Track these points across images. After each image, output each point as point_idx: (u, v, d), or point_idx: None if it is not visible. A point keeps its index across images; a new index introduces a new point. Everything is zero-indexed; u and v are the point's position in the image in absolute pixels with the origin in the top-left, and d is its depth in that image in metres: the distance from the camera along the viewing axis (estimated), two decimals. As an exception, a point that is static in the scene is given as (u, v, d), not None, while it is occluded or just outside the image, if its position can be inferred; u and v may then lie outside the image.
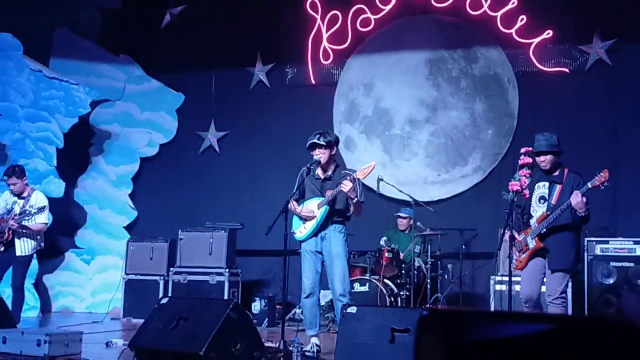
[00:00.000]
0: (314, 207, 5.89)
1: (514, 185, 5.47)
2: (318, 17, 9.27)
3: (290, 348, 5.38)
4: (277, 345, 5.47)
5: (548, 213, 5.29)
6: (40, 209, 6.98)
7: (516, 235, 5.46)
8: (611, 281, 7.14)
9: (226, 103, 9.75)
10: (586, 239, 7.23)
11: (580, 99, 8.30)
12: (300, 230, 5.99)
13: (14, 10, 9.64)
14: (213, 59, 9.68)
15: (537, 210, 5.41)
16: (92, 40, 10.13)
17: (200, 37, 9.66)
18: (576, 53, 8.35)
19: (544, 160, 5.39)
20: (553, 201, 5.34)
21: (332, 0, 9.21)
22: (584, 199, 5.08)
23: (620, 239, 7.34)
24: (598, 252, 7.26)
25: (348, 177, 5.65)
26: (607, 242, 7.29)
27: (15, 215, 6.95)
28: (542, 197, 5.42)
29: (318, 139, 5.89)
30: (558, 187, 5.36)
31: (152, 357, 4.92)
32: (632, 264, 7.12)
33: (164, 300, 5.21)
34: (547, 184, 5.43)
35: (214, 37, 9.63)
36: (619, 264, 7.15)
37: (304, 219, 5.95)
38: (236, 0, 9.44)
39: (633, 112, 8.10)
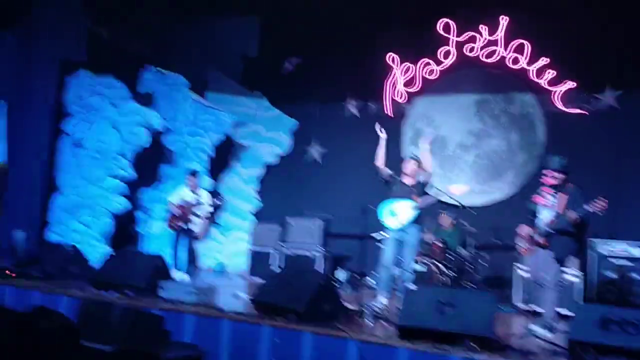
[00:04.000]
0: (407, 206, 5.80)
1: (537, 198, 5.24)
2: (395, 67, 9.13)
3: (365, 309, 5.30)
4: (355, 307, 5.41)
5: (555, 220, 5.04)
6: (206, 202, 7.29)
7: (527, 230, 5.24)
8: (613, 275, 6.70)
9: (327, 127, 9.73)
10: (593, 239, 6.83)
11: (593, 135, 7.84)
12: (391, 222, 5.91)
13: (182, 57, 9.92)
14: (319, 95, 9.67)
15: (544, 214, 5.16)
16: (234, 80, 10.31)
17: (310, 79, 9.65)
18: (592, 99, 7.90)
19: (558, 178, 5.14)
20: (559, 209, 5.07)
21: (406, 54, 9.05)
22: (577, 216, 4.80)
23: (619, 241, 6.86)
24: (603, 252, 6.82)
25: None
26: (609, 244, 6.85)
27: (191, 205, 7.23)
28: (551, 205, 5.16)
29: (413, 155, 5.96)
30: (563, 197, 5.09)
31: (266, 309, 4.96)
32: (629, 263, 6.67)
33: (278, 271, 5.24)
34: (553, 193, 5.16)
35: (320, 79, 9.59)
36: (620, 263, 6.71)
37: (394, 213, 5.87)
38: (336, 53, 9.37)
39: (636, 144, 7.60)
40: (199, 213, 7.23)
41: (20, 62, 8.63)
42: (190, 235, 7.26)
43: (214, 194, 9.32)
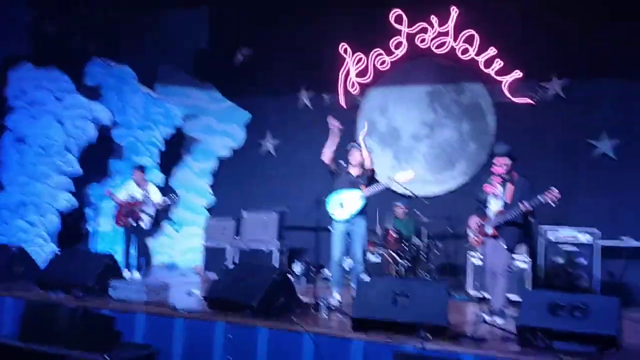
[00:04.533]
0: (354, 196, 5.81)
1: (487, 187, 5.34)
2: (347, 57, 9.13)
3: (319, 302, 5.30)
4: (310, 300, 5.41)
5: (503, 210, 5.15)
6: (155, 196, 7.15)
7: (477, 220, 5.34)
8: (560, 260, 6.93)
9: (280, 119, 9.66)
10: (542, 226, 7.04)
11: (541, 123, 8.04)
12: (339, 213, 5.89)
13: (129, 49, 9.67)
14: (271, 86, 9.59)
15: (493, 204, 5.26)
16: (185, 71, 10.10)
17: (262, 70, 9.56)
18: (539, 89, 8.10)
19: (505, 164, 5.23)
20: (507, 199, 5.17)
21: (358, 45, 9.05)
22: (530, 207, 4.92)
23: (567, 227, 7.10)
24: (552, 238, 7.04)
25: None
26: (557, 230, 7.07)
27: (138, 202, 7.07)
28: (499, 195, 5.25)
29: (357, 145, 5.94)
30: (510, 187, 5.19)
31: (220, 305, 4.91)
32: (575, 248, 6.90)
33: (230, 266, 5.18)
34: (502, 182, 5.26)
35: (272, 71, 9.52)
36: (567, 248, 6.94)
37: (342, 205, 5.86)
38: (288, 44, 9.30)
39: (582, 132, 7.83)
40: (146, 209, 7.07)
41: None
42: (140, 232, 7.10)
43: (167, 190, 9.19)
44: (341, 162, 6.05)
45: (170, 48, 9.97)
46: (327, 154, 5.96)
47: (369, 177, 6.02)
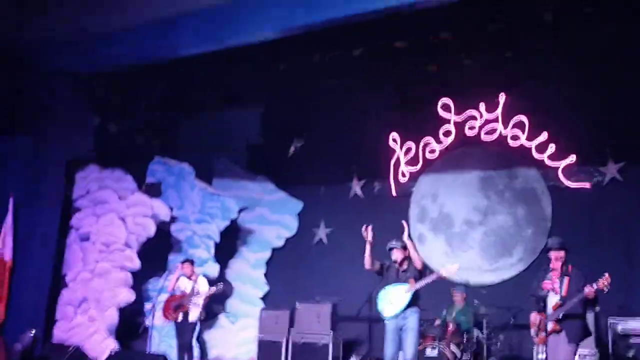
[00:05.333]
0: (401, 291, 5.77)
1: (547, 284, 5.20)
2: (397, 146, 9.23)
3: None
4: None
5: (561, 302, 5.02)
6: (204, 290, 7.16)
7: (536, 317, 5.19)
8: (631, 354, 6.47)
9: (332, 208, 9.75)
10: (610, 318, 6.66)
11: (598, 207, 7.78)
12: (388, 310, 5.82)
13: (188, 146, 10.15)
14: (323, 176, 9.76)
15: (551, 299, 5.14)
16: (240, 166, 10.46)
17: (314, 160, 9.77)
18: (594, 173, 7.89)
19: (560, 257, 5.18)
20: (564, 292, 5.07)
21: (408, 134, 9.15)
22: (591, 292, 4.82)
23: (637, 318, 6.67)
24: (620, 330, 6.62)
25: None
26: (626, 322, 6.65)
27: (189, 294, 7.17)
28: (557, 290, 5.15)
29: (395, 244, 5.89)
30: (566, 280, 5.09)
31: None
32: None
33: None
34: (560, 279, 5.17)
35: (324, 160, 9.71)
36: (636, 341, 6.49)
37: (391, 301, 5.80)
38: (339, 134, 9.52)
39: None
40: (197, 301, 7.10)
41: (31, 161, 8.88)
42: (191, 326, 7.12)
43: (218, 280, 9.30)
44: (385, 262, 6.08)
45: (226, 144, 10.40)
46: (367, 262, 6.02)
47: (419, 271, 5.97)
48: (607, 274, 4.79)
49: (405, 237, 6.17)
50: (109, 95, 9.22)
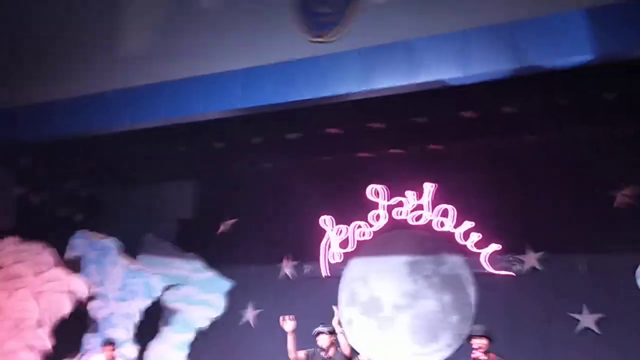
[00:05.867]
0: None
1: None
2: (328, 228, 9.31)
3: None
4: None
5: None
6: None
7: None
8: None
9: (261, 289, 9.57)
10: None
11: (520, 296, 7.99)
12: None
13: (114, 220, 9.83)
14: (253, 256, 9.62)
15: None
16: (169, 242, 10.18)
17: (245, 241, 9.67)
18: (515, 262, 8.19)
19: (481, 345, 5.21)
20: None
21: (339, 217, 9.27)
22: None
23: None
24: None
25: None
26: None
27: None
28: None
29: (322, 329, 5.80)
30: None
31: None
32: None
33: None
34: None
35: (255, 241, 9.63)
36: None
37: None
38: (268, 216, 9.52)
39: (560, 307, 7.77)
40: None
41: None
42: None
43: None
44: (310, 350, 5.96)
45: (156, 219, 10.14)
46: (290, 352, 5.89)
47: (347, 358, 5.86)
48: None
49: (335, 322, 6.09)
50: (33, 166, 8.87)
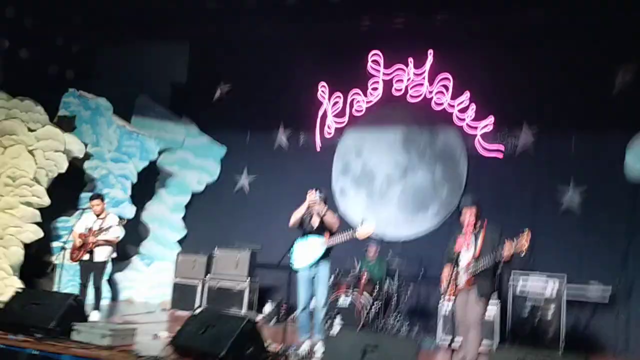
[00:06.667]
0: (316, 244, 5.80)
1: (459, 240, 5.35)
2: (325, 98, 9.20)
3: (288, 352, 5.21)
4: (279, 347, 5.30)
5: (475, 260, 5.17)
6: (113, 227, 6.84)
7: (448, 271, 5.33)
8: (527, 312, 6.94)
9: (256, 156, 9.64)
10: (512, 274, 7.11)
11: (510, 172, 8.12)
12: (301, 261, 5.86)
13: (107, 80, 9.58)
14: (249, 123, 9.60)
15: (464, 256, 5.27)
16: (163, 105, 10.05)
17: (241, 107, 9.58)
18: (509, 136, 8.24)
19: (473, 214, 5.28)
20: (478, 248, 5.21)
21: (337, 85, 9.13)
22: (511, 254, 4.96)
23: (534, 273, 7.14)
24: (519, 289, 7.08)
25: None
26: (526, 280, 7.12)
27: (95, 231, 6.78)
28: (470, 246, 5.27)
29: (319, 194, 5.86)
30: (481, 237, 5.23)
31: (186, 353, 4.78)
32: (542, 299, 6.95)
33: (198, 311, 5.05)
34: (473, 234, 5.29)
35: (250, 108, 9.54)
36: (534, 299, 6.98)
37: (305, 252, 5.84)
38: (266, 82, 9.33)
39: (549, 182, 7.95)
40: (104, 239, 6.73)
41: None
42: (98, 266, 6.79)
43: (139, 224, 9.04)
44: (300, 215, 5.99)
45: (148, 81, 9.92)
46: (295, 220, 5.92)
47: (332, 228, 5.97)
48: (527, 232, 4.90)
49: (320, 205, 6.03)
50: (21, 18, 8.39)
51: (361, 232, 5.65)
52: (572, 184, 7.80)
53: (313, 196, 5.80)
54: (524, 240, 4.89)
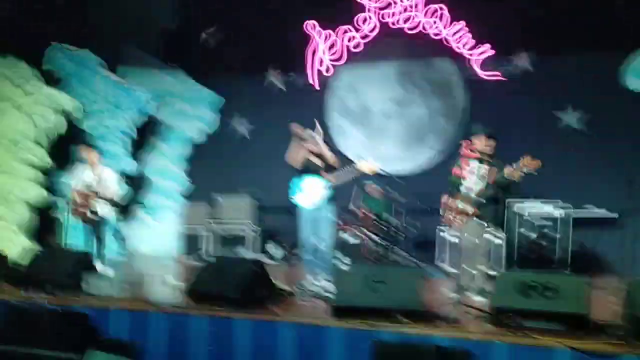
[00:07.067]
0: (320, 184, 5.83)
1: (456, 171, 5.39)
2: (315, 35, 9.01)
3: (297, 289, 5.33)
4: (287, 286, 5.42)
5: (484, 189, 5.21)
6: (111, 182, 6.79)
7: (452, 201, 5.37)
8: (532, 235, 7.04)
9: (252, 101, 9.54)
10: (512, 201, 7.15)
11: (510, 98, 8.05)
12: (304, 201, 5.90)
13: (90, 32, 9.27)
14: (241, 68, 9.40)
15: (472, 184, 5.29)
16: (151, 54, 9.79)
17: (229, 51, 9.28)
18: (508, 63, 8.13)
19: (490, 145, 5.30)
20: (490, 181, 5.25)
21: (327, 22, 8.93)
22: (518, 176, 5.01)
23: (536, 200, 7.19)
24: (522, 212, 7.15)
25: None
26: (526, 205, 7.19)
27: (91, 189, 6.71)
28: (482, 176, 5.31)
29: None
30: (493, 169, 5.26)
31: (199, 298, 4.88)
32: (545, 222, 7.03)
33: (209, 259, 5.13)
34: (483, 165, 5.30)
35: (241, 51, 9.28)
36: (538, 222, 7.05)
37: (307, 192, 5.87)
38: (252, 23, 9.07)
39: (552, 103, 7.89)
40: (103, 195, 6.62)
41: None
42: (101, 222, 6.82)
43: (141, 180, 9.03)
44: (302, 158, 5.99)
45: (134, 29, 9.62)
46: (293, 161, 5.90)
47: (333, 168, 5.99)
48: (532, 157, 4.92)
49: (319, 139, 6.02)
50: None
51: (362, 166, 5.68)
52: (571, 107, 7.75)
53: (305, 133, 5.80)
54: (526, 161, 4.89)
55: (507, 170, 5.01)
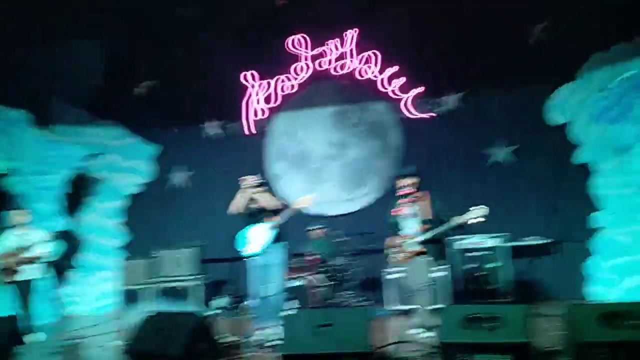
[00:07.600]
0: (264, 229, 5.80)
1: (395, 211, 5.49)
2: (251, 85, 9.12)
3: (244, 341, 5.20)
4: (235, 338, 5.27)
5: (428, 226, 5.30)
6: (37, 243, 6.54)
7: (394, 240, 5.46)
8: (472, 268, 7.20)
9: (188, 151, 9.44)
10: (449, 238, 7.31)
11: (440, 136, 8.33)
12: (250, 249, 5.83)
13: (20, 89, 9.02)
14: (176, 118, 9.34)
15: (410, 224, 5.40)
16: (84, 109, 9.57)
17: (163, 103, 9.21)
18: (439, 102, 8.45)
19: (414, 183, 5.42)
20: (427, 215, 5.35)
21: (262, 72, 9.07)
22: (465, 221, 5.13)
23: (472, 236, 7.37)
24: (461, 247, 7.33)
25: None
26: (464, 240, 7.38)
27: (22, 249, 6.48)
28: (414, 214, 5.42)
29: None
30: (424, 204, 5.38)
31: (143, 357, 4.67)
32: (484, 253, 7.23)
33: (148, 315, 4.93)
34: (416, 204, 5.42)
35: (175, 102, 9.26)
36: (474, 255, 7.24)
37: (252, 240, 5.83)
38: (188, 75, 9.07)
39: (478, 142, 8.22)
40: (28, 256, 6.43)
41: None
42: (29, 286, 6.49)
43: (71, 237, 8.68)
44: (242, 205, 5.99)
45: (65, 84, 9.43)
46: (233, 208, 5.88)
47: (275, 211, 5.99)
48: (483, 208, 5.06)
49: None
50: None
51: (298, 202, 5.71)
52: (499, 142, 8.10)
53: (247, 182, 5.80)
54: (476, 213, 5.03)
55: (457, 220, 5.13)
